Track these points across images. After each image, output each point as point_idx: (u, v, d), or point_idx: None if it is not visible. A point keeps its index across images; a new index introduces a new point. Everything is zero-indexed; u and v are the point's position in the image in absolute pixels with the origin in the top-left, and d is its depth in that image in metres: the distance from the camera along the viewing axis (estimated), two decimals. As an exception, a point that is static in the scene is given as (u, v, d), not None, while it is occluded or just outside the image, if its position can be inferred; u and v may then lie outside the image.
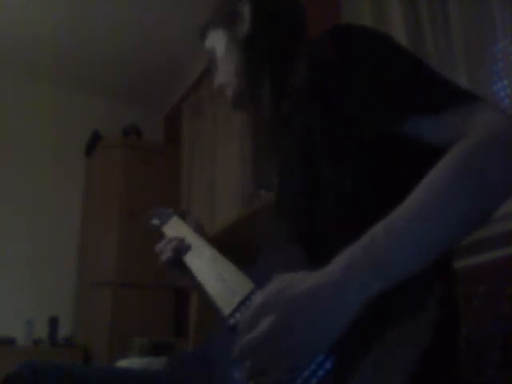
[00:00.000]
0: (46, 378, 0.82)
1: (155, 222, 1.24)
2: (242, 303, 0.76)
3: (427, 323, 0.57)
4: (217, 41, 1.04)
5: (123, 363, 2.59)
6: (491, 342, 1.09)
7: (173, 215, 1.20)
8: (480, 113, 0.65)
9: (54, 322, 3.39)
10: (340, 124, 0.76)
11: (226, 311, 0.77)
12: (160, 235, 1.17)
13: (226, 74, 1.02)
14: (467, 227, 0.61)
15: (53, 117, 3.95)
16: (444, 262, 0.75)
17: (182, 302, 3.50)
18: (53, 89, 3.98)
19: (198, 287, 0.91)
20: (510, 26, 1.50)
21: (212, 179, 3.25)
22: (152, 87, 4.00)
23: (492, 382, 1.07)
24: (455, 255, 0.80)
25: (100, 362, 3.22)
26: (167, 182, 3.81)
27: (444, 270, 0.76)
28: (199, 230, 1.11)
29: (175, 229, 1.15)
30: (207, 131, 3.38)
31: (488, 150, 0.61)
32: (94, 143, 3.82)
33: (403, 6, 1.88)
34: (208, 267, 0.93)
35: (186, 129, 3.74)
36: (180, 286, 1.12)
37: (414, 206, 0.60)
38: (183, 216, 1.19)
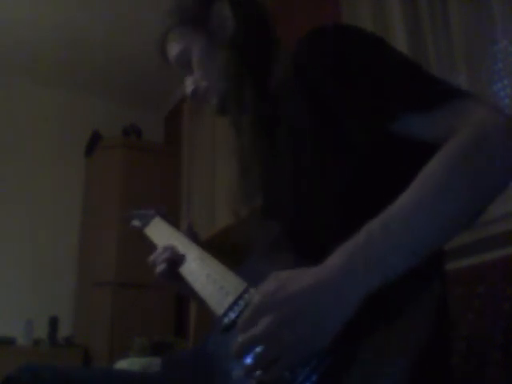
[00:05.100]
0: (45, 381, 0.82)
1: (136, 223, 1.21)
2: (236, 302, 0.75)
3: (425, 317, 0.58)
4: (189, 42, 0.96)
5: (123, 363, 2.59)
6: (491, 341, 1.09)
7: (155, 216, 1.16)
8: (472, 109, 0.66)
9: (54, 322, 3.39)
10: (329, 123, 0.76)
11: (220, 311, 0.77)
12: (142, 237, 1.14)
13: (208, 76, 0.96)
14: (461, 222, 0.62)
15: (53, 117, 3.96)
16: (440, 260, 0.77)
17: (181, 302, 3.50)
18: (53, 89, 3.98)
19: (191, 290, 0.90)
20: (510, 26, 1.50)
21: (212, 179, 3.25)
22: (152, 87, 4.00)
23: (492, 382, 1.07)
24: (449, 255, 0.81)
25: (100, 362, 3.22)
26: (167, 182, 3.81)
27: (441, 268, 0.77)
28: (191, 232, 1.07)
29: (157, 230, 1.12)
30: (207, 131, 3.38)
31: (481, 145, 0.62)
32: (94, 143, 3.82)
33: (403, 6, 1.88)
34: (197, 269, 0.92)
35: (186, 129, 3.74)
36: (176, 292, 1.10)
37: (409, 201, 0.61)
38: (165, 216, 1.15)
